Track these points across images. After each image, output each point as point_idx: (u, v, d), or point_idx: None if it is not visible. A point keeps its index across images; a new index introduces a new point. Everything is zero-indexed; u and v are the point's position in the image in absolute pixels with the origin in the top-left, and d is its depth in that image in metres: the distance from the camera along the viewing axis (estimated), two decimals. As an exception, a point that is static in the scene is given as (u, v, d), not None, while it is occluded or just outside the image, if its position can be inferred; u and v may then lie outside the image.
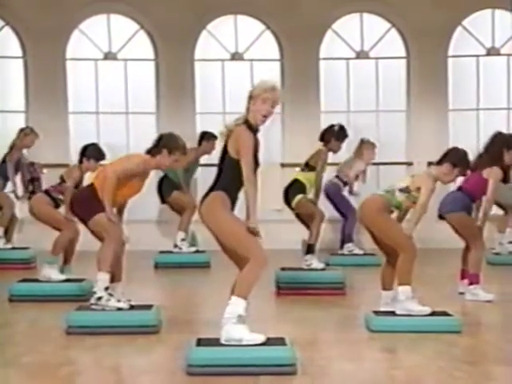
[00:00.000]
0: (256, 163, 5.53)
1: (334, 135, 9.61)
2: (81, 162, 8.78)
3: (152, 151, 6.95)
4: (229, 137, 5.51)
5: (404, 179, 7.05)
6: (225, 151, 5.55)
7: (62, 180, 9.02)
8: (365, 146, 11.70)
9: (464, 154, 7.14)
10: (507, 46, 13.98)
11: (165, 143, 6.93)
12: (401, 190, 6.94)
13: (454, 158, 7.04)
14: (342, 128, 9.74)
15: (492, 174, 8.19)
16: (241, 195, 5.55)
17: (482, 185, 8.25)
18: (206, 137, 11.70)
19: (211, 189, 5.56)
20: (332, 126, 9.74)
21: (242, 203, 5.54)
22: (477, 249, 8.24)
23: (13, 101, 13.63)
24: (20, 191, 11.29)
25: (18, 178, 11.32)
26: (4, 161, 11.33)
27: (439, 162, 7.05)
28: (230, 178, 5.50)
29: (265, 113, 5.51)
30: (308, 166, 9.51)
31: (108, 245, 6.78)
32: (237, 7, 13.80)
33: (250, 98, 5.54)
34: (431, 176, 6.96)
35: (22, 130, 11.52)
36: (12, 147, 11.33)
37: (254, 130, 5.54)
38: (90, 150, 8.74)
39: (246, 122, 5.52)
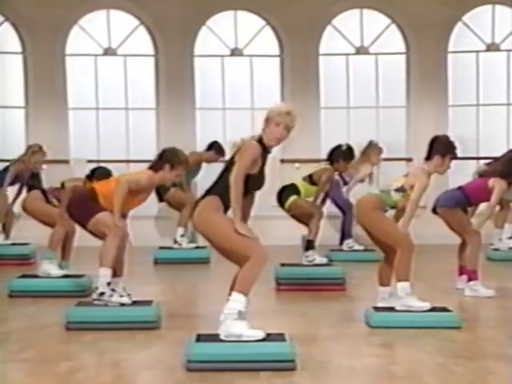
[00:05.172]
0: (261, 182, 5.54)
1: (341, 155, 9.43)
2: (90, 179, 8.50)
3: (154, 167, 6.96)
4: (239, 149, 5.53)
5: (398, 179, 7.07)
6: (231, 162, 5.55)
7: (62, 187, 9.03)
8: (372, 149, 11.71)
9: (447, 140, 7.14)
10: (507, 42, 13.99)
11: (167, 158, 6.93)
12: (396, 190, 6.97)
13: (440, 148, 7.03)
14: (349, 148, 9.60)
15: (498, 185, 8.22)
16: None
17: (482, 192, 8.30)
18: (215, 147, 11.72)
19: (207, 192, 5.56)
20: (339, 146, 9.56)
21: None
22: (472, 244, 8.27)
23: (12, 97, 13.64)
24: (8, 192, 11.33)
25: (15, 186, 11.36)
26: (6, 170, 11.31)
27: (428, 157, 7.05)
28: (228, 186, 5.48)
29: (278, 135, 5.53)
30: (310, 180, 9.45)
31: (111, 241, 6.78)
32: (236, 3, 13.80)
33: (266, 120, 5.57)
34: (425, 172, 6.96)
35: (30, 147, 11.48)
36: (17, 160, 11.31)
37: (266, 149, 5.55)
38: (98, 173, 8.51)
39: (260, 140, 5.55)
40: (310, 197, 9.39)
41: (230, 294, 5.41)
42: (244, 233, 5.35)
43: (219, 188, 5.51)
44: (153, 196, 11.78)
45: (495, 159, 11.44)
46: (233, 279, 5.50)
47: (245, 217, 5.47)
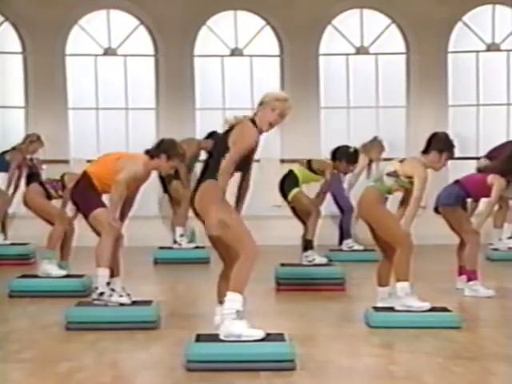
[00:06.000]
0: (249, 162, 5.55)
1: (346, 157, 9.37)
2: None
3: (151, 153, 6.95)
4: (233, 127, 5.52)
5: (392, 164, 7.05)
6: (223, 140, 5.54)
7: (62, 179, 9.04)
8: (374, 144, 11.72)
9: (446, 137, 7.13)
10: (507, 42, 13.99)
11: (165, 149, 6.93)
12: (388, 175, 6.94)
13: (439, 144, 7.02)
14: (356, 152, 9.60)
15: (497, 183, 8.22)
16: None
17: (480, 187, 8.29)
18: (214, 137, 11.69)
19: (202, 176, 5.55)
20: (347, 147, 9.53)
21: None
22: (471, 244, 8.26)
23: (12, 97, 13.64)
24: (11, 191, 11.33)
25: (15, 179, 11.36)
26: (2, 155, 11.35)
27: (425, 152, 7.04)
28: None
29: (272, 120, 5.51)
30: (309, 166, 9.45)
31: (105, 240, 6.78)
32: (236, 3, 13.80)
33: (261, 103, 5.55)
34: (422, 163, 6.95)
35: (28, 137, 11.49)
36: (15, 148, 11.32)
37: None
38: None
39: (253, 121, 5.53)
40: (307, 183, 9.41)
41: (224, 296, 5.39)
42: (224, 220, 5.28)
43: (214, 170, 5.46)
44: (152, 195, 11.87)
45: (495, 149, 11.40)
46: (218, 281, 5.55)
47: (241, 200, 5.45)
